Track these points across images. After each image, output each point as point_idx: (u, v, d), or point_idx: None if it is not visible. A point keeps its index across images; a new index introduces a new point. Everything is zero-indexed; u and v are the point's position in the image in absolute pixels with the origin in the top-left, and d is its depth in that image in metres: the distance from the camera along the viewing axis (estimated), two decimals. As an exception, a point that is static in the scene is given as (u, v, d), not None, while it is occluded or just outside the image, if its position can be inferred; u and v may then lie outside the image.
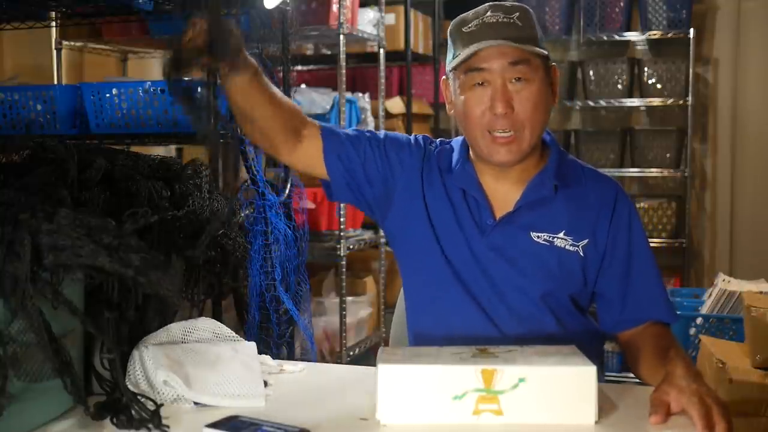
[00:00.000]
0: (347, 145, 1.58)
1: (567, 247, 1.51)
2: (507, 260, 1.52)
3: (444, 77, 1.59)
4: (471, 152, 1.59)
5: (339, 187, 1.60)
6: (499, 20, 1.46)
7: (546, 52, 1.50)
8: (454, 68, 1.51)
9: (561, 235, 1.52)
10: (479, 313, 1.53)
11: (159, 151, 3.65)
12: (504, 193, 1.55)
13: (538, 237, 1.52)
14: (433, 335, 1.56)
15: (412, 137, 1.64)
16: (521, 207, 1.53)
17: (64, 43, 3.28)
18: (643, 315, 1.54)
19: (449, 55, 1.55)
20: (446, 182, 1.58)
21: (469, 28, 1.48)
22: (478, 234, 1.53)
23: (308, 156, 1.56)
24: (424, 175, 1.59)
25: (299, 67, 4.44)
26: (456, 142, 1.64)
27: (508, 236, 1.52)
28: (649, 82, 4.27)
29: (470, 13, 1.51)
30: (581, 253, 1.52)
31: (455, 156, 1.60)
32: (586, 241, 1.52)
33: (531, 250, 1.51)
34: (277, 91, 1.50)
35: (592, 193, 1.55)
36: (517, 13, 1.48)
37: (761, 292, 2.55)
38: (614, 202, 1.55)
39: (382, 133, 1.64)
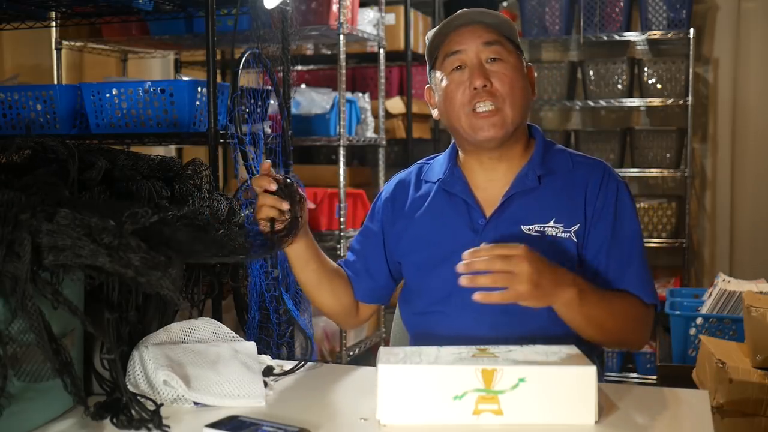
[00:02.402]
0: (369, 280, 1.71)
1: (559, 234, 1.53)
2: None
3: (427, 86, 1.67)
4: (459, 154, 1.65)
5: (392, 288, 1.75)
6: (474, 10, 1.56)
7: (518, 43, 1.58)
8: (434, 63, 1.60)
9: (551, 223, 1.54)
10: (475, 314, 1.53)
11: (159, 151, 3.65)
12: (492, 191, 1.59)
13: (529, 229, 1.54)
14: (432, 339, 1.57)
15: (377, 198, 1.76)
16: (507, 201, 1.56)
17: (64, 43, 3.28)
18: (621, 281, 1.53)
19: (428, 60, 1.63)
20: (430, 197, 1.64)
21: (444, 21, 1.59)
22: (471, 234, 1.56)
23: (370, 313, 1.77)
24: (399, 209, 1.68)
25: (299, 67, 4.43)
26: (443, 155, 1.70)
27: (500, 232, 1.54)
28: (649, 82, 4.27)
29: None
30: (574, 239, 1.53)
31: (443, 165, 1.66)
32: (577, 225, 1.54)
33: (523, 243, 1.52)
34: (332, 270, 1.69)
35: (580, 176, 1.58)
36: (493, 12, 1.58)
37: (761, 292, 2.55)
38: (601, 179, 1.57)
39: (369, 217, 1.77)
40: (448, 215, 1.60)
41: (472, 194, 1.60)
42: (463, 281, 1.30)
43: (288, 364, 1.48)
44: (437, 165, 1.69)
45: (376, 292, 1.72)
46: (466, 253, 1.31)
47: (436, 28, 1.60)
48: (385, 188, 1.75)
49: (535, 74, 1.66)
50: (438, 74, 1.59)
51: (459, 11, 1.58)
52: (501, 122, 1.52)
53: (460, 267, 1.31)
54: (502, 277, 1.30)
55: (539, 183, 1.56)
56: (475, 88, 1.52)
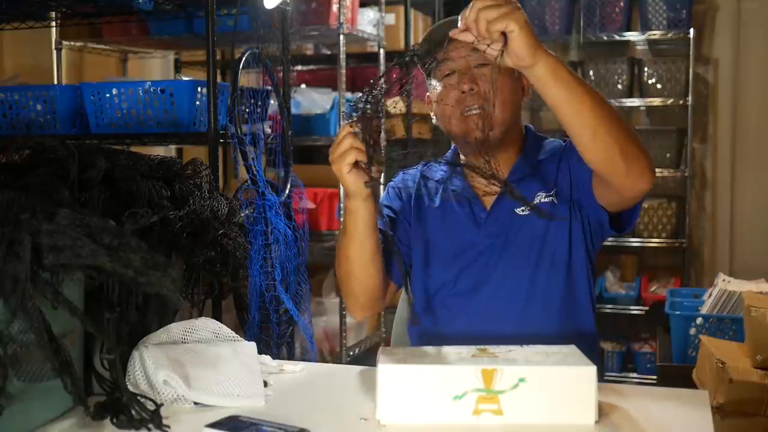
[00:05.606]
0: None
1: (543, 199, 1.62)
2: (503, 242, 1.62)
3: (427, 94, 1.71)
4: (460, 153, 1.71)
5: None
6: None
7: None
8: (429, 72, 1.65)
9: (536, 194, 1.63)
10: (482, 308, 1.61)
11: (159, 151, 3.65)
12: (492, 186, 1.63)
13: (522, 211, 1.62)
14: (438, 336, 1.62)
15: (389, 187, 1.77)
16: (504, 192, 1.60)
17: (64, 43, 3.27)
18: None
19: (423, 68, 1.65)
20: (436, 194, 1.70)
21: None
22: (474, 228, 1.64)
23: (390, 298, 1.72)
24: (413, 203, 1.72)
25: (299, 67, 4.43)
26: (445, 156, 1.77)
27: (500, 222, 1.63)
28: (649, 82, 4.27)
29: None
30: (555, 201, 1.62)
31: (445, 165, 1.73)
32: (554, 189, 1.63)
33: (520, 224, 1.61)
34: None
35: (557, 149, 1.67)
36: None
37: (761, 292, 2.55)
38: (564, 145, 1.66)
39: (384, 200, 1.76)
40: (454, 212, 1.66)
41: (474, 191, 1.66)
42: (453, 33, 1.32)
43: (288, 364, 1.48)
44: (438, 168, 1.75)
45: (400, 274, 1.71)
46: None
47: (427, 36, 1.61)
48: (393, 180, 1.80)
49: None
50: (434, 81, 1.65)
51: (448, 19, 1.60)
52: (488, 125, 1.57)
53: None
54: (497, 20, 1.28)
55: (532, 170, 1.64)
56: (462, 92, 1.57)
